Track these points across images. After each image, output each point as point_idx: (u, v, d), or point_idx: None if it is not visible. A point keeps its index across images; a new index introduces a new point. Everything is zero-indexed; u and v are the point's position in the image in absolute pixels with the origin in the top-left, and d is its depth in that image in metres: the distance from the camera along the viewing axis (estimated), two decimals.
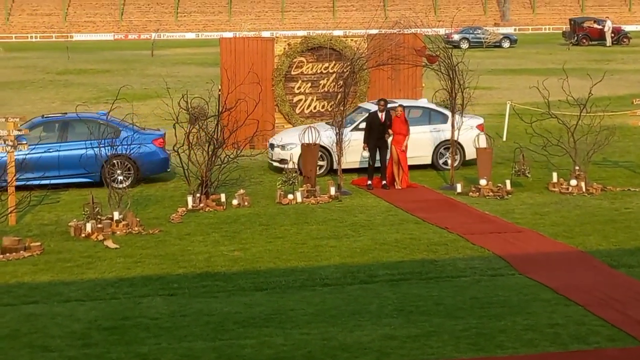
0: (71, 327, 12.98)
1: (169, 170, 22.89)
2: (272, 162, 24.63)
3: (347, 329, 12.80)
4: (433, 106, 25.67)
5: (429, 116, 24.95)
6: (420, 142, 24.02)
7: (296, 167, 22.32)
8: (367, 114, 24.14)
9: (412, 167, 23.39)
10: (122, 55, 73.80)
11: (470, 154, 24.16)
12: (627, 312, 13.29)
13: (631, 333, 12.50)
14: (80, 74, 56.37)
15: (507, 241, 17.45)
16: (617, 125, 26.67)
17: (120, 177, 22.06)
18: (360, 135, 23.22)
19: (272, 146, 24.66)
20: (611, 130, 22.68)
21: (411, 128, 22.99)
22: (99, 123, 22.14)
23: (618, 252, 16.61)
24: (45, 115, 23.96)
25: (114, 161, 21.73)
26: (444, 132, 24.22)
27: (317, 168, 23.06)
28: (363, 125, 23.62)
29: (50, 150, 22.06)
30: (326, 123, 24.80)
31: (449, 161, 23.91)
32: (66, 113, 24.48)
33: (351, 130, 23.72)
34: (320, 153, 23.25)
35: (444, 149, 24.54)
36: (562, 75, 22.64)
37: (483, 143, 23.12)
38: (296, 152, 23.38)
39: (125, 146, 20.60)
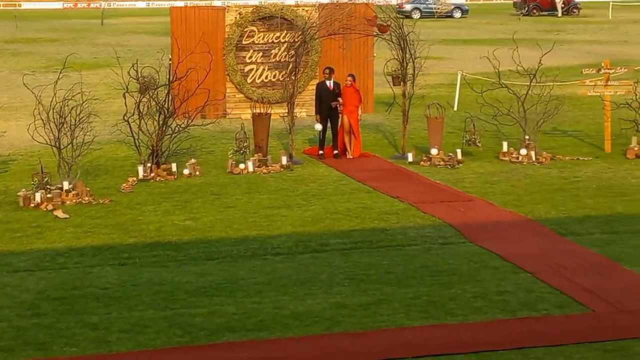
0: (20, 298, 12.87)
1: None
2: None
3: (299, 297, 12.81)
4: None
5: None
6: None
7: None
8: None
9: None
10: (71, 24, 72.93)
11: None
12: (574, 280, 13.43)
13: (579, 300, 12.64)
14: (29, 43, 55.62)
15: (458, 210, 17.55)
16: (566, 95, 26.98)
17: None
18: None
19: None
20: (560, 100, 22.84)
21: None
22: None
23: (566, 220, 16.77)
24: None
25: None
26: None
27: None
28: None
29: None
30: None
31: None
32: None
33: None
34: None
35: None
36: (512, 46, 22.73)
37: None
38: None
39: None
